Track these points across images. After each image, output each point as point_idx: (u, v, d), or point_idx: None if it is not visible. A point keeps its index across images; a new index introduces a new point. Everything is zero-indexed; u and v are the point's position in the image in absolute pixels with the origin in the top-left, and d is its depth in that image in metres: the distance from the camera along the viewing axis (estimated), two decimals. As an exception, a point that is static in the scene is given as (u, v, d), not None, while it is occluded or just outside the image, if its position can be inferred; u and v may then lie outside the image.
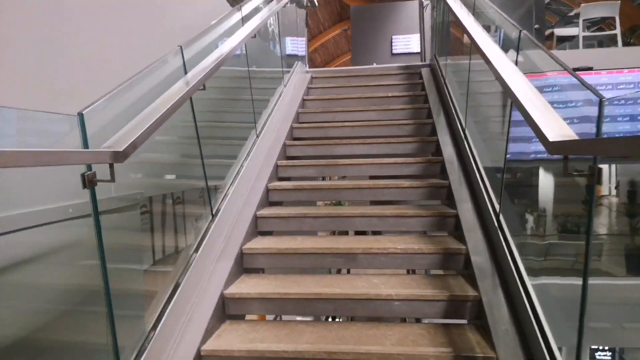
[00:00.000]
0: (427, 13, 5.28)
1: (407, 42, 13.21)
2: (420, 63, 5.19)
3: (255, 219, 2.70)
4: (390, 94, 4.38)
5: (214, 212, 2.42)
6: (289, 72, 4.68)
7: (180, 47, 2.13)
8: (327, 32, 23.55)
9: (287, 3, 4.36)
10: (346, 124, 3.84)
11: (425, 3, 5.27)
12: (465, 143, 3.04)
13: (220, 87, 2.90)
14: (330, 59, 27.53)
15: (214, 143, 2.83)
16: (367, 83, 4.72)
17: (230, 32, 2.82)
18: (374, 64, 8.74)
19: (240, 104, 3.30)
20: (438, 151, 3.39)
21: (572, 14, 7.03)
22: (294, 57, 5.10)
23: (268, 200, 3.03)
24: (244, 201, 2.77)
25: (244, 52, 3.17)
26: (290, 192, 3.04)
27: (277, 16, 4.44)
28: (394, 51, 13.17)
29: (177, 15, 3.36)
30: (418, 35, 13.24)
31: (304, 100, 4.45)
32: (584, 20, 5.61)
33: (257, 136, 3.31)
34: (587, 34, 5.69)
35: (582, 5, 5.59)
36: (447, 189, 2.87)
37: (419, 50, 13.17)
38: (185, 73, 2.16)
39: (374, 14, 13.30)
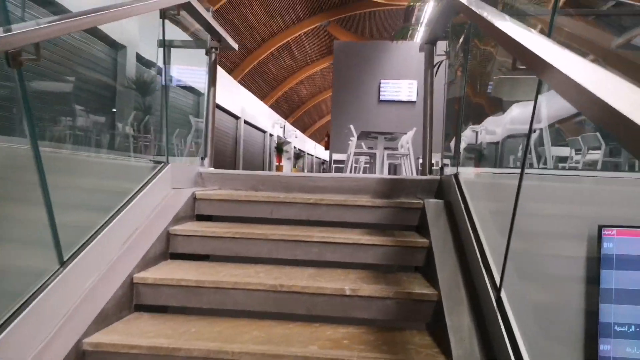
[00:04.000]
0: (439, 79, 2.62)
1: (397, 89, 10.62)
2: (420, 177, 2.44)
3: None
4: (348, 292, 1.63)
5: None
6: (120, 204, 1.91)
7: None
8: (315, 64, 21.09)
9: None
10: None
11: (438, 59, 2.57)
12: None
13: None
14: (317, 92, 25.06)
15: None
16: (304, 234, 1.97)
17: None
18: (351, 126, 6.02)
19: None
20: None
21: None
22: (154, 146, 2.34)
23: None
24: None
25: None
26: None
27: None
28: (382, 98, 10.53)
29: None
30: (409, 82, 10.73)
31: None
32: None
33: None
34: None
35: None
36: None
37: (411, 99, 10.65)
38: None
39: (361, 53, 10.63)
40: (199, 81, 2.83)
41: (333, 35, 16.99)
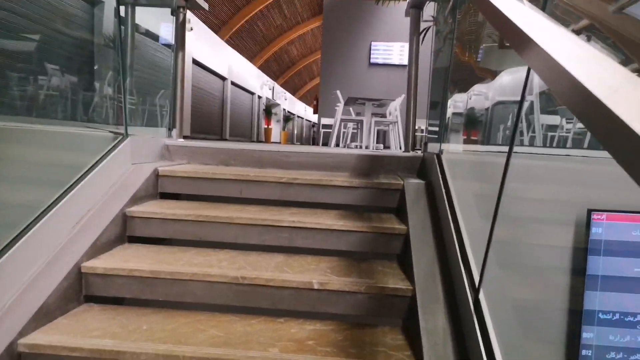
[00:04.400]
0: (427, 47, 2.38)
1: (389, 52, 10.23)
2: (402, 154, 2.27)
3: None
4: (316, 285, 1.49)
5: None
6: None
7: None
8: (306, 23, 20.24)
9: None
10: None
11: (425, 25, 2.33)
12: None
13: None
14: (308, 52, 24.25)
15: None
16: (274, 218, 1.82)
17: None
18: (338, 92, 5.77)
19: None
20: None
21: None
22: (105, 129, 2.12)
23: None
24: None
25: None
26: None
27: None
28: (373, 60, 10.14)
29: None
30: (401, 44, 10.30)
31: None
32: None
33: None
34: None
35: None
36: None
37: (402, 62, 10.26)
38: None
39: (352, 13, 10.14)
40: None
41: (324, -7, 16.18)
